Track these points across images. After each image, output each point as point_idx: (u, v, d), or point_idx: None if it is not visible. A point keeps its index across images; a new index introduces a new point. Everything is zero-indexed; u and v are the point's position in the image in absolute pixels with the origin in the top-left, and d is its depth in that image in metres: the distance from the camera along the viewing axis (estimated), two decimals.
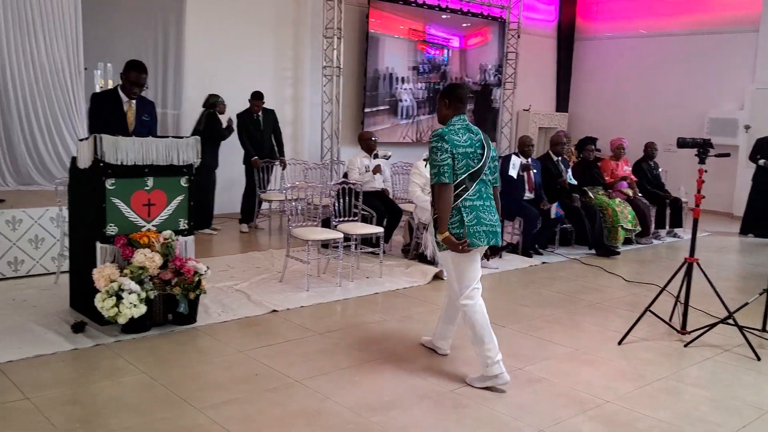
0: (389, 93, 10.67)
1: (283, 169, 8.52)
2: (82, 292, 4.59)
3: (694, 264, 4.71)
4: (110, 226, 4.40)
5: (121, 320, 4.17)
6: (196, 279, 4.47)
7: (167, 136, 4.77)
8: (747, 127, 11.10)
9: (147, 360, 3.95)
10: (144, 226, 4.54)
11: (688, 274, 4.72)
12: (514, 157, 7.40)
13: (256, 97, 8.02)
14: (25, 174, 7.01)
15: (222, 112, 7.82)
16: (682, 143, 4.75)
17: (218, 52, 8.79)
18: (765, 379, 4.15)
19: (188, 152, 4.67)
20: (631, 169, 8.85)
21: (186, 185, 4.72)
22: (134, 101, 4.97)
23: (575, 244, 8.04)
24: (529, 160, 7.47)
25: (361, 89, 10.31)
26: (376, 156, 7.37)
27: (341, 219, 6.27)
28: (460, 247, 3.69)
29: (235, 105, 8.06)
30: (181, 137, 4.77)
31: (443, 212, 3.72)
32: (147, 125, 5.03)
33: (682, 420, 3.51)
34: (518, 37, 12.14)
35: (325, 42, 9.62)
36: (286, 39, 9.63)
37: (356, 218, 6.41)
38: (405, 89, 10.86)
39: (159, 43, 8.49)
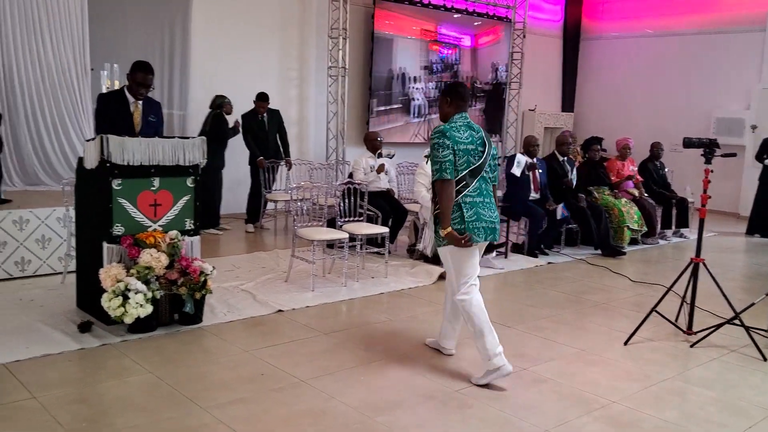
0: (402, 92, 10.71)
1: (289, 170, 8.53)
2: (88, 292, 4.60)
3: (701, 264, 4.70)
4: (117, 226, 4.42)
5: (128, 320, 4.19)
6: (202, 279, 4.49)
7: (173, 137, 4.79)
8: (754, 127, 11.06)
9: (153, 360, 3.97)
10: (150, 226, 4.55)
11: (695, 275, 4.71)
12: (519, 155, 7.38)
13: (261, 98, 8.03)
14: (32, 174, 7.05)
15: (229, 113, 7.85)
16: (688, 143, 4.73)
17: (224, 52, 8.81)
18: None
19: (194, 153, 4.68)
20: (637, 169, 8.82)
21: (192, 185, 4.74)
22: (141, 102, 4.97)
23: (581, 245, 8.03)
24: (535, 159, 7.46)
25: (367, 89, 10.33)
26: (380, 155, 7.38)
27: (346, 219, 6.27)
28: (463, 241, 3.70)
29: (241, 105, 8.07)
30: (187, 137, 4.78)
31: (446, 208, 3.73)
32: (153, 126, 5.04)
33: (688, 420, 3.50)
34: (524, 37, 12.12)
35: (331, 42, 9.64)
36: (292, 39, 9.64)
37: (361, 218, 6.41)
38: (417, 88, 10.89)
39: (165, 44, 8.53)
